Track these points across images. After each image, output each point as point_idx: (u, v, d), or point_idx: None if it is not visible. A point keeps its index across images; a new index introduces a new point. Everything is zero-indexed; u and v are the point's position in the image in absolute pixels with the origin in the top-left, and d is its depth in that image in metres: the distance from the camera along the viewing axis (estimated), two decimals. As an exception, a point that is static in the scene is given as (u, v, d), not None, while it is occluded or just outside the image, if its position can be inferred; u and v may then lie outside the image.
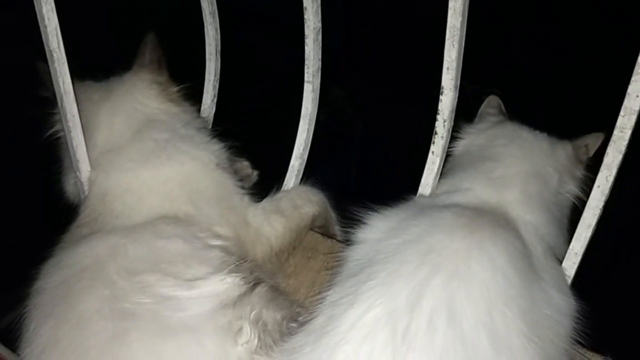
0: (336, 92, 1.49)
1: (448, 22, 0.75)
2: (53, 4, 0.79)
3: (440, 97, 0.82)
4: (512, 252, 0.72)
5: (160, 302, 0.75)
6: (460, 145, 0.93)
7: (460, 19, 0.74)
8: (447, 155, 0.89)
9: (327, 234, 1.00)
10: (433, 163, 0.87)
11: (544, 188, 0.86)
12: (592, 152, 0.91)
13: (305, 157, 1.01)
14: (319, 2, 0.88)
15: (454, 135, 0.89)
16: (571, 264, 0.80)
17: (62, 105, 0.85)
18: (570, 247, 0.80)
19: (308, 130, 0.99)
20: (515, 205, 0.81)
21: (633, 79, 0.69)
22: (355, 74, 1.54)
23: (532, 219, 0.81)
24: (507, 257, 0.70)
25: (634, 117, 0.71)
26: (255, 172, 1.07)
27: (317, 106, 0.98)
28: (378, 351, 0.61)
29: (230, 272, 0.79)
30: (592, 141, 0.91)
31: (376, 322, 0.63)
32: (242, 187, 0.97)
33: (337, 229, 1.03)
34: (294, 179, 1.02)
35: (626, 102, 0.70)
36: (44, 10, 0.78)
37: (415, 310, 0.63)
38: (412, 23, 1.52)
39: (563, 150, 0.90)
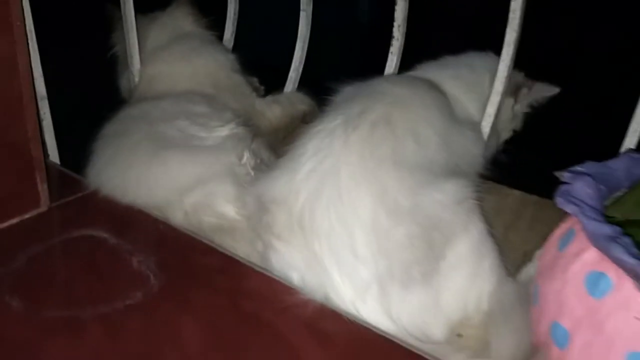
0: None
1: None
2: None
3: (395, 7, 1.14)
4: (438, 98, 1.01)
5: (188, 136, 1.06)
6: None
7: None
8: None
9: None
10: (391, 61, 1.18)
11: (476, 80, 1.14)
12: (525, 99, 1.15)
13: (300, 70, 1.33)
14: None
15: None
16: (486, 124, 1.09)
17: (123, 11, 1.18)
18: (486, 110, 1.08)
19: (302, 48, 1.31)
20: (448, 83, 1.11)
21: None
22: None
23: (460, 96, 1.11)
24: (434, 100, 1.00)
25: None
26: (263, 87, 1.39)
27: (309, 30, 1.30)
28: (334, 136, 0.90)
29: (239, 124, 1.11)
30: (539, 89, 1.12)
31: (335, 125, 0.92)
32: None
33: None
34: (291, 87, 1.33)
35: None
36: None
37: (362, 116, 0.92)
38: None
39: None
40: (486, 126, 1.08)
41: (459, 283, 0.86)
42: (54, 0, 1.33)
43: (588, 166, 0.74)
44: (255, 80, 1.37)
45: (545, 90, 1.13)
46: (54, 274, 0.84)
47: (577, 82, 1.34)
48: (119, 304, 0.78)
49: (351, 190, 0.84)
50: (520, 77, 1.14)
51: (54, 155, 1.15)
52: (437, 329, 0.85)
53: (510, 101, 1.15)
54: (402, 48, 1.17)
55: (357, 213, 0.83)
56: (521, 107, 1.15)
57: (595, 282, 0.63)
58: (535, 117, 1.16)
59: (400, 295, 0.83)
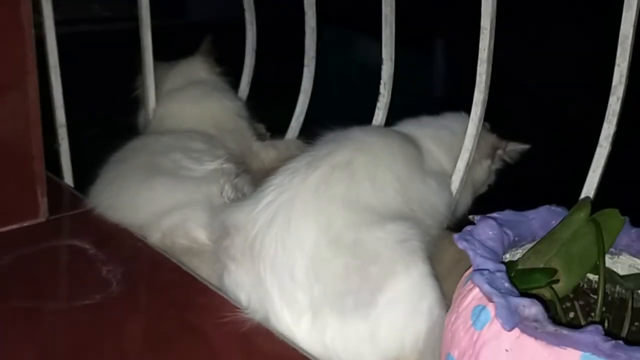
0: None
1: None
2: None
3: (382, 66, 1.23)
4: (406, 149, 1.09)
5: (179, 167, 1.17)
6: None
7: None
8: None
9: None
10: (377, 115, 1.27)
11: (453, 140, 1.21)
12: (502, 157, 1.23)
13: (301, 120, 1.43)
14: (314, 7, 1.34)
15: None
16: (456, 177, 1.15)
17: (143, 57, 1.33)
18: (457, 165, 1.15)
19: (304, 101, 1.42)
20: (425, 139, 1.18)
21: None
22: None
23: (434, 150, 1.18)
24: (401, 149, 1.08)
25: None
26: (269, 134, 1.50)
27: (312, 84, 1.41)
28: (296, 174, 0.99)
29: (228, 161, 1.21)
30: (512, 147, 1.22)
31: (301, 165, 1.01)
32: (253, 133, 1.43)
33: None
34: (291, 135, 1.44)
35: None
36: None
37: (326, 158, 1.00)
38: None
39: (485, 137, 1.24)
40: (456, 180, 1.14)
41: (397, 320, 0.91)
42: (96, 48, 1.50)
43: (505, 214, 0.80)
44: (262, 126, 1.49)
45: (517, 148, 1.19)
46: (31, 273, 0.95)
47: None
48: (78, 303, 0.88)
49: (300, 221, 0.92)
50: (493, 137, 1.21)
51: (67, 177, 1.29)
52: (371, 362, 0.90)
53: (487, 162, 1.22)
54: (388, 104, 1.26)
55: (301, 242, 0.91)
56: (495, 165, 1.22)
57: (478, 315, 0.68)
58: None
59: (336, 324, 0.89)
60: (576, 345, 0.59)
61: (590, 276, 0.83)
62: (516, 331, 0.63)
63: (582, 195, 1.01)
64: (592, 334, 0.57)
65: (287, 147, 1.40)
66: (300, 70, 1.41)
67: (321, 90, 1.38)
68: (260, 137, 1.46)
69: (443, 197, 1.11)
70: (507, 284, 0.65)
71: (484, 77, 1.07)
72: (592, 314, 0.77)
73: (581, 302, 0.79)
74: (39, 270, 0.96)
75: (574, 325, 0.61)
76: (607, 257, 0.82)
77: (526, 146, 1.19)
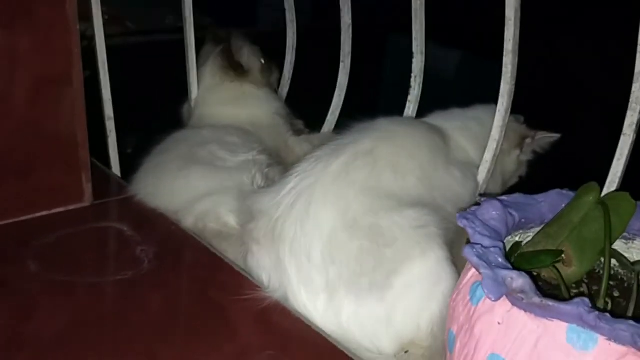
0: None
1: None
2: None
3: (412, 59, 1.25)
4: (431, 138, 1.10)
5: (214, 158, 1.23)
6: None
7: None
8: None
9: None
10: (408, 108, 1.29)
11: (481, 131, 1.22)
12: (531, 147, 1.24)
13: (337, 114, 1.47)
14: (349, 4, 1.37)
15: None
16: (483, 169, 1.15)
17: (187, 54, 1.40)
18: (484, 156, 1.15)
19: (340, 96, 1.45)
20: (453, 130, 1.19)
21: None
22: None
23: (462, 141, 1.19)
24: (426, 139, 1.09)
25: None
26: (307, 130, 1.54)
27: (347, 79, 1.44)
28: (319, 162, 1.02)
29: (260, 152, 1.26)
30: (541, 137, 1.22)
31: (325, 153, 1.04)
32: (291, 128, 1.47)
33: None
34: (327, 129, 1.48)
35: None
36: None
37: (349, 147, 1.03)
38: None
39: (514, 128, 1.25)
40: (483, 171, 1.15)
41: (413, 303, 0.93)
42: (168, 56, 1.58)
43: (513, 196, 0.80)
44: (300, 122, 1.53)
45: (547, 138, 1.19)
46: (71, 250, 1.03)
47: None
48: (110, 278, 0.95)
49: (319, 205, 0.96)
50: (522, 127, 1.20)
51: (115, 166, 1.37)
52: (387, 343, 0.92)
53: (516, 152, 1.22)
54: (419, 97, 1.28)
55: (319, 225, 0.94)
56: (525, 156, 1.21)
57: (475, 290, 0.69)
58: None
59: (352, 305, 0.92)
60: (562, 317, 0.59)
61: (605, 261, 0.82)
62: (507, 304, 0.64)
63: (607, 184, 1.00)
64: (577, 306, 0.58)
65: (321, 141, 1.43)
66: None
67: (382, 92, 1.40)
68: (298, 133, 1.51)
69: (468, 187, 1.12)
70: (500, 259, 0.66)
71: (509, 67, 1.07)
72: (607, 299, 0.77)
73: (595, 287, 0.79)
74: (79, 249, 1.04)
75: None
76: (621, 241, 0.82)
77: (556, 135, 1.18)
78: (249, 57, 1.47)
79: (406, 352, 0.93)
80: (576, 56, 1.80)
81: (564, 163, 1.28)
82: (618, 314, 0.74)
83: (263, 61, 1.48)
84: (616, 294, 0.80)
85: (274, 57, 1.57)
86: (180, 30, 1.43)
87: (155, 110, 1.64)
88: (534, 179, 1.24)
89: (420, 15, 1.20)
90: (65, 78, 1.07)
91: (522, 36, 1.06)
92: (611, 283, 0.81)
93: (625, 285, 0.81)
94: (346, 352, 0.84)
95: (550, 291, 0.77)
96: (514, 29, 1.04)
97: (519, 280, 0.61)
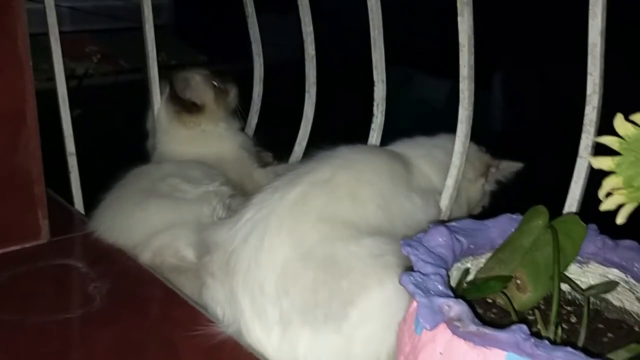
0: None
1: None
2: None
3: (374, 88, 1.25)
4: (391, 166, 1.09)
5: (174, 190, 1.21)
6: None
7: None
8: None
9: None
10: (372, 136, 1.28)
11: (446, 159, 1.21)
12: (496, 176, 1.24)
13: (304, 145, 1.46)
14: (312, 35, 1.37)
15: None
16: (445, 195, 1.14)
17: (150, 86, 1.40)
18: (446, 182, 1.14)
19: (306, 126, 1.45)
20: (417, 157, 1.18)
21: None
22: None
23: (426, 169, 1.18)
24: (386, 166, 1.08)
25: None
26: (276, 162, 1.53)
27: (313, 109, 1.44)
28: (276, 192, 1.01)
29: (222, 184, 1.25)
30: (505, 166, 1.24)
31: (283, 182, 1.03)
32: (258, 162, 1.46)
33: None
34: (294, 159, 1.47)
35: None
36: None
37: (307, 176, 1.01)
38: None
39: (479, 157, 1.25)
40: (445, 197, 1.14)
41: (372, 334, 0.91)
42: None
43: (462, 222, 0.79)
44: (269, 155, 1.52)
45: (510, 167, 1.18)
46: (23, 289, 1.00)
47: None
48: (60, 316, 0.92)
49: (273, 236, 0.94)
50: (487, 156, 1.20)
51: (78, 202, 1.35)
52: (348, 377, 0.90)
53: (481, 180, 1.21)
54: (382, 124, 1.27)
55: (273, 257, 0.92)
56: (489, 185, 1.21)
57: (419, 320, 0.67)
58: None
59: (308, 337, 0.89)
60: (499, 345, 0.57)
61: (563, 286, 0.81)
62: (448, 333, 0.62)
63: (566, 208, 0.99)
64: (514, 333, 0.56)
65: (287, 171, 1.42)
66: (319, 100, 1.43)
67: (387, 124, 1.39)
68: (265, 165, 1.49)
69: (429, 213, 1.11)
70: (440, 287, 0.64)
71: (466, 93, 1.07)
72: (563, 325, 0.75)
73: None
74: (31, 288, 1.01)
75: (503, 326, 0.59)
76: (575, 266, 0.81)
77: (519, 165, 1.18)
78: (198, 89, 1.41)
79: (367, 385, 0.90)
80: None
81: (525, 188, 1.27)
82: (572, 340, 0.72)
83: (215, 84, 1.43)
84: (573, 319, 0.78)
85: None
86: (173, 67, 1.42)
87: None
88: (495, 204, 1.23)
89: (379, 43, 1.20)
90: (19, 115, 1.06)
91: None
92: (568, 308, 0.80)
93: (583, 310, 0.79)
94: (298, 387, 0.81)
95: (506, 318, 0.75)
96: (468, 55, 1.04)
97: (455, 308, 0.59)
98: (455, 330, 0.61)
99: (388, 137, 1.27)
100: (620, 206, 0.56)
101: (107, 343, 0.87)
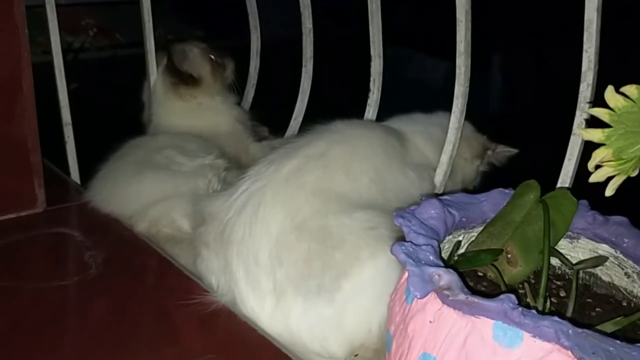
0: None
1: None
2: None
3: (371, 63, 1.25)
4: (387, 140, 1.10)
5: (171, 163, 1.22)
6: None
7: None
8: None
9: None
10: (368, 112, 1.28)
11: (443, 136, 1.22)
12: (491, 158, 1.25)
13: (300, 119, 1.46)
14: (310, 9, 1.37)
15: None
16: (440, 171, 1.15)
17: (146, 58, 1.39)
18: (441, 158, 1.15)
19: (303, 100, 1.45)
20: (413, 134, 1.19)
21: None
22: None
23: (422, 145, 1.18)
24: (381, 141, 1.08)
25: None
26: (271, 136, 1.53)
27: (310, 84, 1.43)
28: (271, 164, 1.01)
29: (217, 157, 1.25)
30: (501, 150, 1.25)
31: (278, 156, 1.03)
32: (253, 136, 1.46)
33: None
34: (290, 133, 1.47)
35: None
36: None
37: (302, 149, 1.02)
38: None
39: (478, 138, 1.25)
40: (440, 173, 1.14)
41: (363, 306, 0.92)
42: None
43: (455, 195, 0.80)
44: (265, 129, 1.52)
45: (506, 152, 1.19)
46: (18, 256, 1.01)
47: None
48: (55, 283, 0.93)
49: (268, 208, 0.95)
50: (484, 139, 1.21)
51: (74, 172, 1.35)
52: (337, 346, 0.91)
53: (477, 162, 1.22)
54: (378, 100, 1.27)
55: (267, 228, 0.93)
56: (483, 167, 1.22)
57: (410, 290, 0.68)
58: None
59: (300, 307, 0.90)
60: (487, 314, 0.58)
61: (553, 261, 0.82)
62: (438, 303, 0.63)
63: (559, 185, 0.99)
64: (502, 302, 0.57)
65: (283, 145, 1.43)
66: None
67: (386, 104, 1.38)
68: (261, 139, 1.50)
69: (423, 188, 1.11)
70: (431, 257, 0.65)
71: (462, 69, 1.07)
72: (552, 299, 0.76)
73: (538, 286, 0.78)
74: (27, 255, 1.02)
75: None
76: (565, 241, 0.81)
77: (514, 150, 1.19)
78: (195, 62, 1.41)
79: (356, 355, 0.91)
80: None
81: (520, 167, 1.28)
82: (561, 312, 0.73)
83: (213, 57, 1.43)
84: (562, 293, 0.79)
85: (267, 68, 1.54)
86: (170, 42, 1.41)
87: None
88: (490, 180, 1.24)
89: (377, 18, 1.20)
90: (15, 83, 1.06)
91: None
92: (558, 283, 0.81)
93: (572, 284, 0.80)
94: (290, 355, 0.82)
95: (496, 291, 0.76)
96: (465, 30, 1.04)
97: (445, 277, 0.60)
98: (444, 299, 0.62)
99: (386, 117, 1.28)
100: (609, 178, 0.57)
101: (102, 310, 0.88)
